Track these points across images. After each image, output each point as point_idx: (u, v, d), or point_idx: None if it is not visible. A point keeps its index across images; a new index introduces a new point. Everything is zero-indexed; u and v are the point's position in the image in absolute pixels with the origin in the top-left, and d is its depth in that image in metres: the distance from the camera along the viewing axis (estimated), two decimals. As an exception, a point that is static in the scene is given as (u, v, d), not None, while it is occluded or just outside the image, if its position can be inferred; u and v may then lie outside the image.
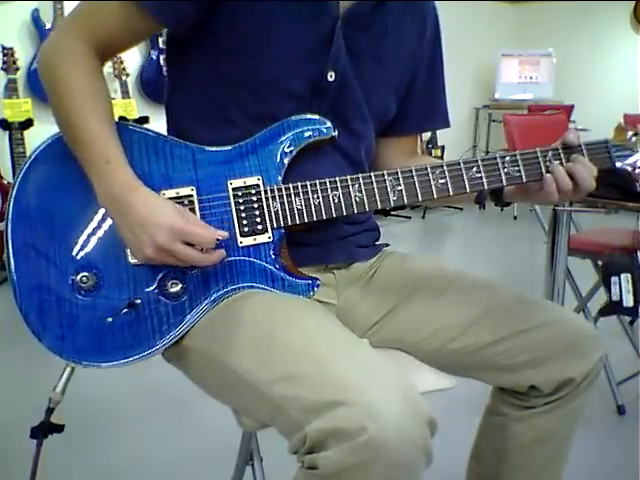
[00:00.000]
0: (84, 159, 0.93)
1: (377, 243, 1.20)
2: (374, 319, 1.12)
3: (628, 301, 1.79)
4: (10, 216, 0.95)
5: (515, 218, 5.57)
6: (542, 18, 6.60)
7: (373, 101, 1.08)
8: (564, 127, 3.01)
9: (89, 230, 0.96)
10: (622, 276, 1.80)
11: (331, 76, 1.02)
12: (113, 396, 2.17)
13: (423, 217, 5.61)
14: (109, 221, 0.96)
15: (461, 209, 5.74)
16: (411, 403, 0.76)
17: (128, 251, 0.95)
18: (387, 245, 1.21)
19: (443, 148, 5.63)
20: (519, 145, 2.39)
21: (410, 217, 5.46)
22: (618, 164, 1.03)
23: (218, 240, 0.91)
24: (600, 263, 2.24)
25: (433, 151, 5.52)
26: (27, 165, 0.97)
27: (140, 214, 0.89)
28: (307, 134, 1.00)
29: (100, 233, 0.96)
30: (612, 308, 1.84)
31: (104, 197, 0.93)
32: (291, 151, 0.99)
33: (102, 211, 0.96)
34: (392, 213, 5.35)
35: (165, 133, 1.02)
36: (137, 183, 0.92)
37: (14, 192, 0.96)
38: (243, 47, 0.98)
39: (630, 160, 1.03)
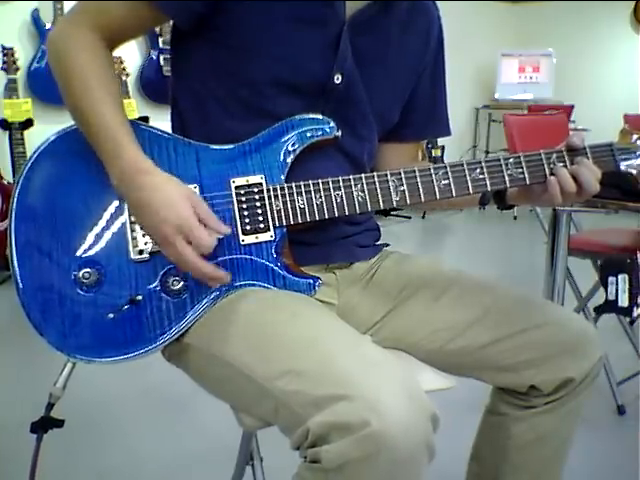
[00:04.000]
0: (97, 143, 0.93)
1: (377, 243, 1.20)
2: (374, 319, 1.12)
3: (623, 301, 1.80)
4: (14, 213, 0.95)
5: (515, 218, 5.57)
6: (542, 18, 6.60)
7: (377, 105, 1.08)
8: (564, 127, 3.01)
9: (92, 227, 0.96)
10: (620, 276, 1.81)
11: (338, 78, 1.02)
12: (113, 396, 2.17)
13: (423, 217, 5.62)
14: (112, 217, 0.96)
15: (461, 210, 5.74)
16: (414, 398, 0.76)
17: (130, 247, 0.95)
18: (387, 245, 1.22)
19: (443, 148, 5.63)
20: (519, 145, 2.39)
21: (410, 217, 5.46)
22: (623, 167, 1.03)
23: (219, 236, 0.91)
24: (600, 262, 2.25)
25: (433, 151, 5.52)
26: (30, 163, 0.97)
27: (154, 200, 0.89)
28: (311, 133, 1.00)
29: (103, 229, 0.96)
30: (607, 307, 1.86)
31: (117, 179, 0.92)
32: (295, 150, 0.99)
33: (105, 207, 0.96)
34: (392, 213, 5.36)
35: (168, 131, 1.02)
36: (153, 166, 0.92)
37: (17, 190, 0.96)
38: (248, 44, 0.98)
39: (635, 163, 1.02)
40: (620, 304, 1.81)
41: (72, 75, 0.95)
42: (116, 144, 0.92)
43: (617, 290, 1.81)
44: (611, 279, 1.82)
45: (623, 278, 1.80)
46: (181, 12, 0.97)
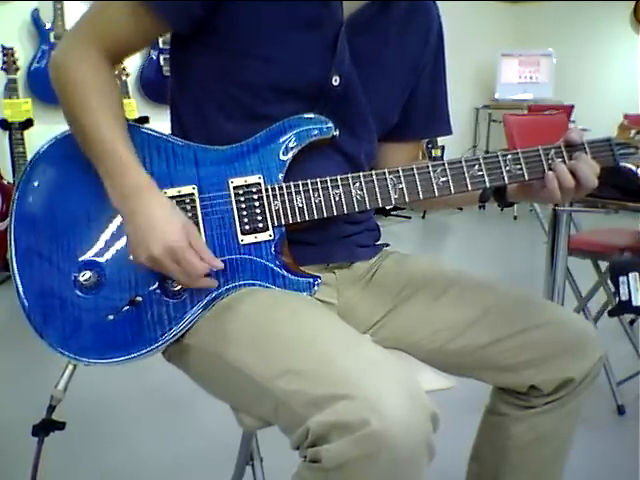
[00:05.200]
0: (96, 158, 0.94)
1: (377, 243, 1.20)
2: (374, 319, 1.12)
3: (637, 300, 1.75)
4: (13, 216, 0.96)
5: (515, 218, 5.57)
6: (542, 18, 6.61)
7: (376, 106, 1.08)
8: (564, 127, 3.01)
9: (91, 229, 0.96)
10: (630, 275, 1.77)
11: (336, 80, 1.02)
12: (113, 397, 2.17)
13: (423, 217, 5.62)
14: (111, 220, 0.96)
15: (461, 209, 5.74)
16: (414, 397, 0.76)
17: (130, 249, 0.95)
18: (387, 245, 1.21)
19: (443, 148, 5.63)
20: (519, 145, 2.39)
21: (410, 217, 5.46)
22: (622, 163, 1.03)
23: (210, 269, 0.92)
24: (600, 263, 2.25)
25: (433, 151, 5.52)
26: (30, 166, 0.98)
27: (145, 222, 0.90)
28: (308, 133, 1.00)
29: (102, 232, 0.96)
30: (621, 308, 1.81)
31: (114, 197, 0.93)
32: (292, 149, 0.99)
33: (104, 210, 0.96)
34: (392, 213, 5.36)
35: (167, 133, 1.02)
36: (149, 185, 0.93)
37: (17, 193, 0.97)
38: (244, 47, 0.98)
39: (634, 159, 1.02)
40: (635, 303, 1.76)
41: (73, 90, 0.95)
42: (118, 162, 0.92)
43: (629, 289, 1.78)
44: (622, 279, 1.77)
45: (634, 276, 1.76)
46: (180, 16, 0.96)
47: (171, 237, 0.89)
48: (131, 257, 0.94)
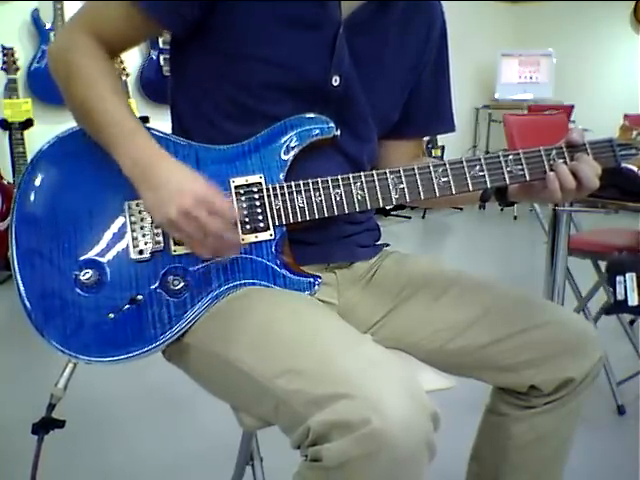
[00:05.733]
0: (108, 136, 0.93)
1: (377, 243, 1.20)
2: (374, 319, 1.12)
3: (633, 300, 1.77)
4: (15, 215, 0.96)
5: (515, 218, 5.57)
6: (542, 18, 6.61)
7: (376, 105, 1.08)
8: (564, 127, 3.01)
9: (92, 228, 0.96)
10: (627, 275, 1.78)
11: (336, 80, 1.02)
12: (113, 397, 2.17)
13: (423, 217, 5.61)
14: (112, 218, 0.97)
15: (461, 209, 5.74)
16: (415, 397, 0.76)
17: (131, 247, 0.95)
18: (387, 245, 1.21)
19: (443, 148, 5.64)
20: (519, 145, 2.39)
21: (410, 217, 5.46)
22: (623, 164, 1.03)
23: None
24: (600, 263, 2.25)
25: (433, 151, 5.52)
26: (31, 165, 0.98)
27: (166, 175, 0.90)
28: (310, 132, 1.00)
29: (103, 230, 0.96)
30: (617, 307, 1.82)
31: (131, 164, 0.92)
32: (294, 149, 0.99)
33: (105, 208, 0.97)
34: (392, 213, 5.36)
35: (167, 132, 1.02)
36: (165, 152, 0.94)
37: (18, 192, 0.97)
38: (240, 48, 0.98)
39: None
40: (630, 303, 1.77)
41: (75, 74, 0.95)
42: (128, 129, 0.93)
43: (626, 289, 1.79)
44: (619, 278, 1.79)
45: (631, 277, 1.77)
46: (172, 18, 0.97)
47: (202, 189, 0.89)
48: (136, 256, 0.94)
